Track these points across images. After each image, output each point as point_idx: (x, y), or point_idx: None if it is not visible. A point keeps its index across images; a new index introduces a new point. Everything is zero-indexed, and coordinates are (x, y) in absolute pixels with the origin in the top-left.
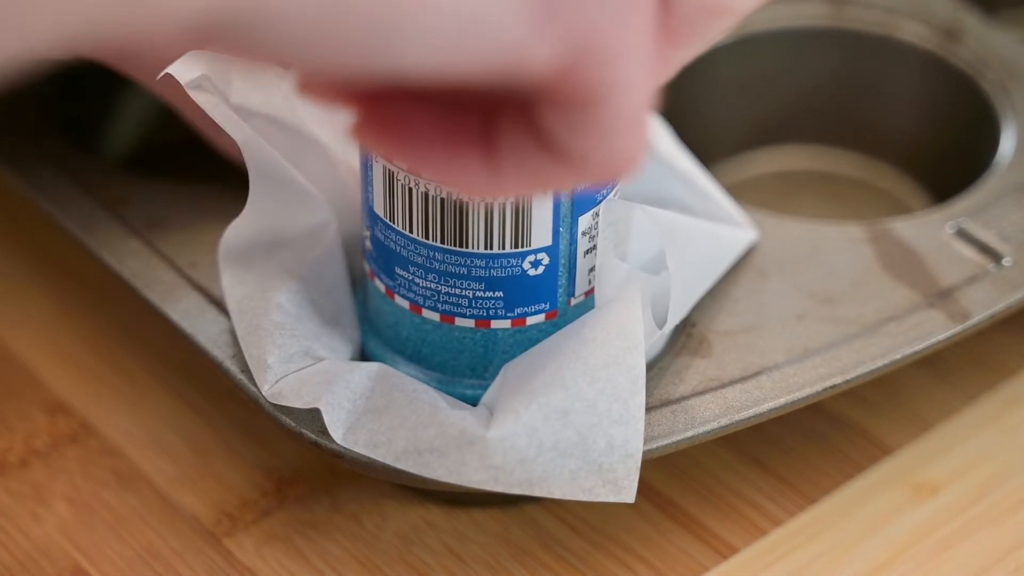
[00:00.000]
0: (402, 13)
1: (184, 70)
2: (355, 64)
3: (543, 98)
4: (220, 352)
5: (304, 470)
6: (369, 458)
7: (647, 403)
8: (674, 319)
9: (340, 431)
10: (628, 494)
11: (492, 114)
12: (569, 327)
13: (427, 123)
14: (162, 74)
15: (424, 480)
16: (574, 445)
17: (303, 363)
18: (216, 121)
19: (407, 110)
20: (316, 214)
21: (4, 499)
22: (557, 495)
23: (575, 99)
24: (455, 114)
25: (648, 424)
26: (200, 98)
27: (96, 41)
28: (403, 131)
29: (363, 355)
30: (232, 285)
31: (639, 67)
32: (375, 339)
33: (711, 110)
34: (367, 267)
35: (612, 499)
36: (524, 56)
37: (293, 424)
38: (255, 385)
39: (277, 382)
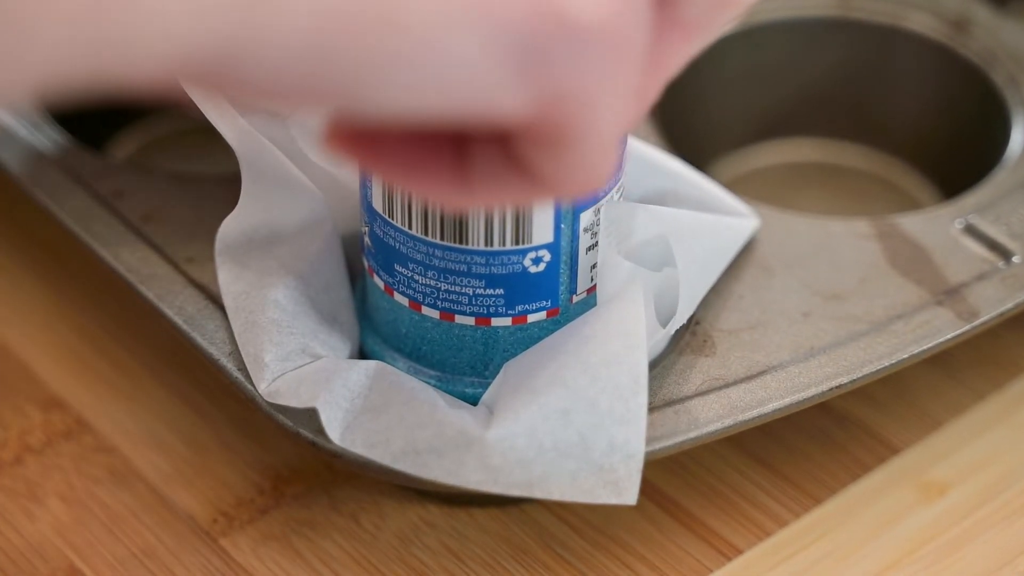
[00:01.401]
0: (381, 60)
1: None
2: (333, 102)
3: (516, 133)
4: (216, 349)
5: (302, 469)
6: (367, 458)
7: (650, 403)
8: (682, 316)
9: (337, 431)
10: (630, 495)
11: (465, 131)
12: (570, 325)
13: (399, 133)
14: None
15: (422, 481)
16: (574, 445)
17: (300, 361)
18: (208, 116)
19: None
20: (313, 209)
21: None
22: (557, 496)
23: (547, 140)
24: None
25: (651, 424)
26: (195, 92)
27: (82, 81)
28: (374, 141)
29: (362, 352)
30: (228, 281)
31: (614, 108)
32: (374, 336)
33: (717, 102)
34: (366, 263)
35: (613, 501)
36: (498, 105)
37: (290, 423)
38: (252, 383)
39: (274, 380)
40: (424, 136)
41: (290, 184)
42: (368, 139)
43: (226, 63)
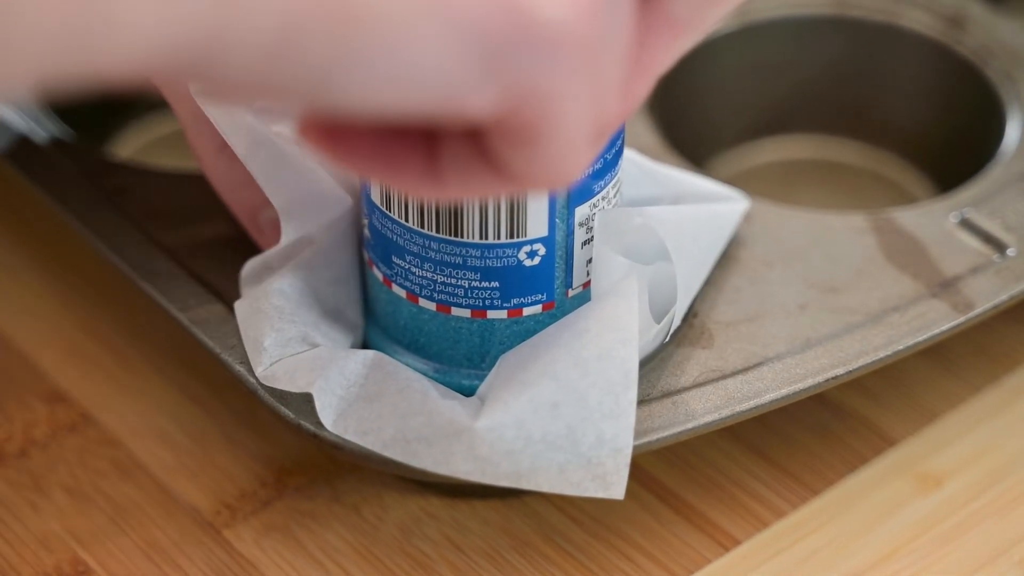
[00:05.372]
0: (345, 57)
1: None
2: (302, 98)
3: (485, 128)
4: (218, 343)
5: (304, 461)
6: (367, 449)
7: (648, 394)
8: (679, 313)
9: (331, 417)
10: (617, 490)
11: (436, 125)
12: (564, 319)
13: (370, 126)
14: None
15: (413, 470)
16: (563, 438)
17: (299, 348)
18: (223, 131)
19: None
20: (331, 203)
21: (3, 489)
22: (545, 488)
23: (515, 137)
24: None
25: (649, 415)
26: (212, 110)
27: (68, 75)
28: (347, 134)
29: (364, 345)
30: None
31: (583, 106)
32: (374, 327)
33: (714, 99)
34: (366, 255)
35: (600, 494)
36: (464, 102)
37: (292, 415)
38: (252, 374)
39: (271, 365)
40: (395, 129)
41: (313, 185)
42: (340, 132)
43: (199, 59)
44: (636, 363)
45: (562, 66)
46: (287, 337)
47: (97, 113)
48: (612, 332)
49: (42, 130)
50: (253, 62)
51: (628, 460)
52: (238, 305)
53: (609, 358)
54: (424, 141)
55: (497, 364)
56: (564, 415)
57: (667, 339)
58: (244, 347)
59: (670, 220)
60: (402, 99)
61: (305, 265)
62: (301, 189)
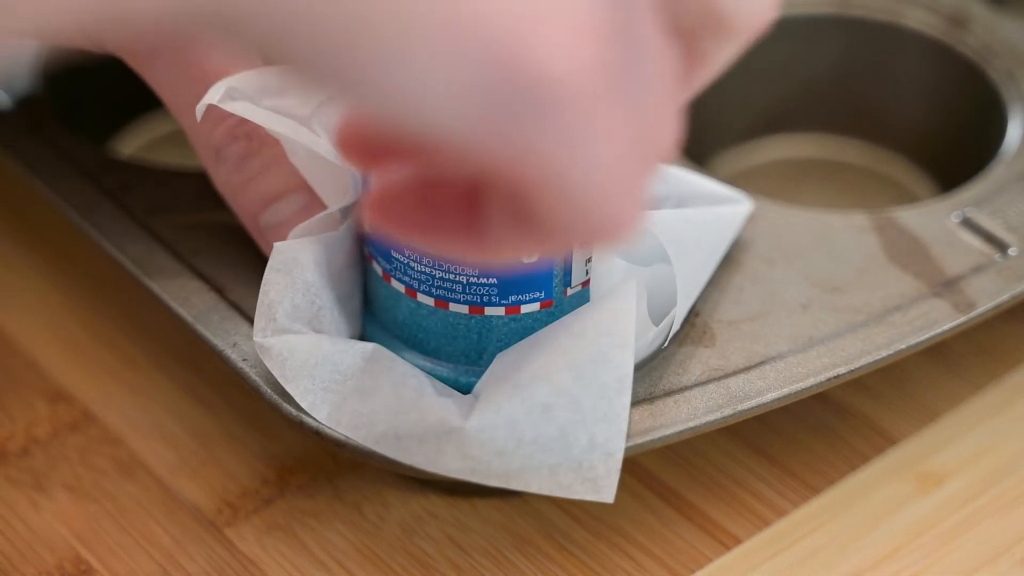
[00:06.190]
0: (357, 46)
1: (211, 92)
2: (317, 71)
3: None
4: (221, 340)
5: (306, 459)
6: (370, 448)
7: (651, 392)
8: (678, 317)
9: (324, 411)
10: (607, 494)
11: (476, 183)
12: (561, 320)
13: (415, 194)
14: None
15: (401, 466)
16: (555, 440)
17: (303, 329)
18: (257, 122)
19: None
20: (343, 183)
21: (4, 487)
22: (535, 489)
23: (528, 191)
24: (440, 183)
25: (651, 414)
26: (234, 107)
27: (85, 26)
28: (395, 208)
29: (362, 338)
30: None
31: (595, 159)
32: (373, 322)
33: (717, 98)
34: (366, 249)
35: (591, 498)
36: (473, 149)
37: (295, 412)
38: (255, 372)
39: (272, 336)
40: (436, 193)
41: (338, 171)
42: (388, 198)
43: (217, 23)
44: (631, 368)
45: (563, 127)
46: (299, 314)
47: (100, 111)
48: (608, 336)
49: (45, 129)
50: (268, 34)
51: (619, 464)
52: (278, 246)
53: (604, 362)
54: (466, 205)
55: (492, 364)
56: (557, 418)
57: (666, 343)
58: (259, 296)
59: (673, 224)
60: (416, 113)
61: (329, 245)
62: (326, 171)
